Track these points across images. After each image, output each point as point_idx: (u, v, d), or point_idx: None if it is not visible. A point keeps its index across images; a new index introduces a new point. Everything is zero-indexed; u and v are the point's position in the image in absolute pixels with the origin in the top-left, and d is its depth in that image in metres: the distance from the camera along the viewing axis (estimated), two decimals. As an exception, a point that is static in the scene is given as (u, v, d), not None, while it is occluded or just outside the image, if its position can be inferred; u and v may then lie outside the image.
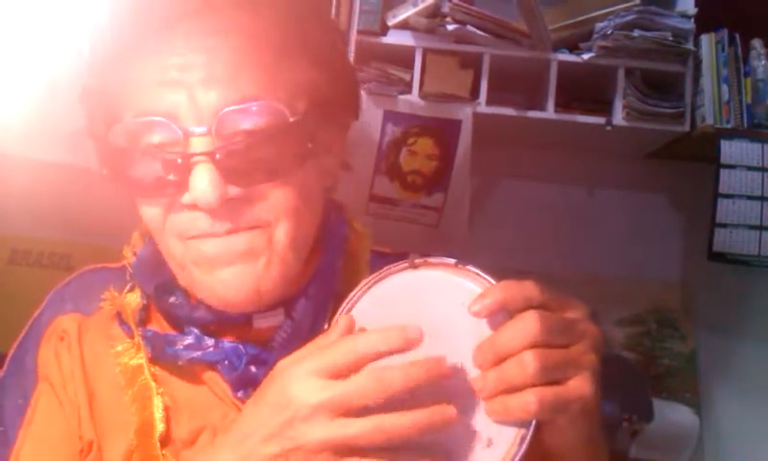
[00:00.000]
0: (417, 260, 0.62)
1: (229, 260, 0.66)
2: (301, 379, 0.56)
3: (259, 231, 0.66)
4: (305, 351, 0.59)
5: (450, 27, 1.47)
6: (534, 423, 0.56)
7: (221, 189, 0.63)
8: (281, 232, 0.67)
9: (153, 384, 0.71)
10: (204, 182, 0.62)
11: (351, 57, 1.49)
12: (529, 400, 0.55)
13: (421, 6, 1.48)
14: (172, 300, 0.73)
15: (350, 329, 0.60)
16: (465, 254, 0.61)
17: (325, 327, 0.68)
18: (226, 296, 0.67)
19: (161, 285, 0.73)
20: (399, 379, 0.54)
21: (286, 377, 0.57)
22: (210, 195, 0.63)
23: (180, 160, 0.63)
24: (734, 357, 1.79)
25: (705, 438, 1.74)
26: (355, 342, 0.57)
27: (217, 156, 0.63)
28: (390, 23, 1.52)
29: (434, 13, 1.49)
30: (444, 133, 1.58)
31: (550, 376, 0.55)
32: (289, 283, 0.69)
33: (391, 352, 0.56)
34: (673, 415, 1.69)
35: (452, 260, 0.61)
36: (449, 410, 0.55)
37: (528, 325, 0.55)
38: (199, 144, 0.63)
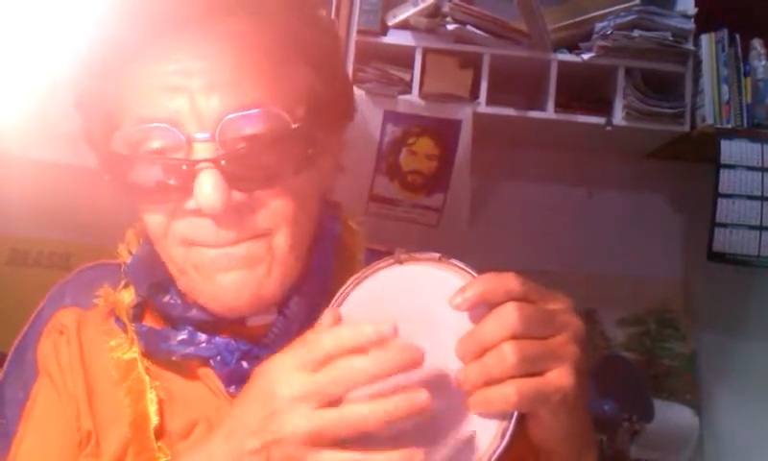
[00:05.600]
0: (402, 255, 0.62)
1: (230, 266, 0.67)
2: (283, 374, 0.57)
3: (261, 241, 0.67)
4: (291, 348, 0.60)
5: (450, 27, 1.47)
6: (515, 415, 0.57)
7: (225, 195, 0.63)
8: (281, 239, 0.68)
9: (146, 378, 0.72)
10: (209, 188, 0.63)
11: (351, 57, 1.49)
12: (508, 392, 0.55)
13: (422, 6, 1.48)
14: (166, 299, 0.73)
15: (336, 324, 0.60)
16: (465, 254, 0.62)
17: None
18: (226, 301, 0.68)
19: (156, 285, 0.74)
20: (372, 366, 0.55)
21: (269, 373, 0.58)
22: (215, 201, 0.63)
23: (184, 167, 0.64)
24: (734, 357, 1.79)
25: (705, 438, 1.74)
26: (332, 336, 0.57)
27: (222, 162, 0.63)
28: (390, 23, 1.52)
29: (434, 13, 1.49)
30: (444, 132, 1.58)
31: (530, 368, 0.56)
32: (286, 285, 0.70)
33: (366, 346, 0.56)
34: (673, 415, 1.69)
35: (436, 255, 0.62)
36: (421, 395, 0.55)
37: (507, 316, 0.56)
38: (202, 150, 0.64)
